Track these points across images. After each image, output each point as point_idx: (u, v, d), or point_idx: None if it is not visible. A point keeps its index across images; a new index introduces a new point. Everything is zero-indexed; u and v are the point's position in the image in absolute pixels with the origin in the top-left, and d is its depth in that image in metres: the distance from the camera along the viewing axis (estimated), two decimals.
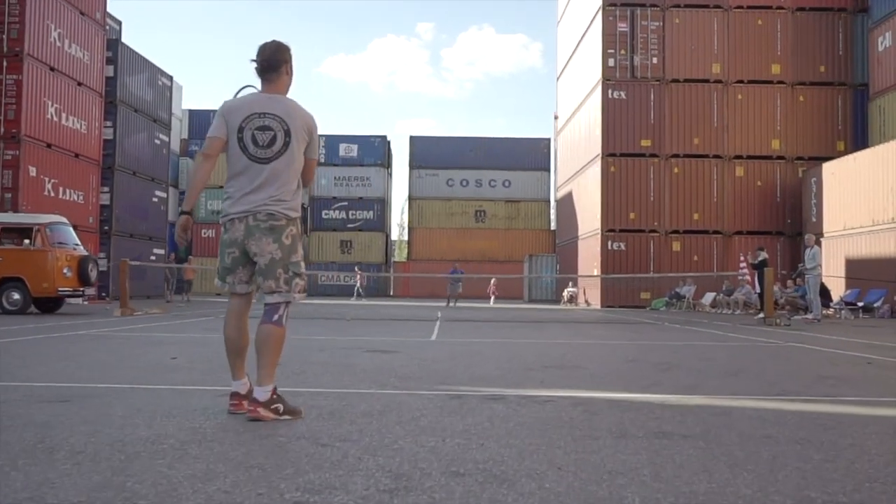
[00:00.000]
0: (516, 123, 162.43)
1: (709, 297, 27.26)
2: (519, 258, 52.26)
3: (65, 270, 15.12)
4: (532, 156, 57.19)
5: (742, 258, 26.56)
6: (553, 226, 59.73)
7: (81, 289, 15.95)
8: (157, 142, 34.87)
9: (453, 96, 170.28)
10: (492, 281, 37.17)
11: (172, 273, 29.76)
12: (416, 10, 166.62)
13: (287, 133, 3.96)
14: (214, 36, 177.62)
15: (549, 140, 58.42)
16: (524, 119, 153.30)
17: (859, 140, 30.58)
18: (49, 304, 16.18)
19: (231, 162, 4.04)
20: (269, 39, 4.13)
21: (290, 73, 4.12)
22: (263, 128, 3.94)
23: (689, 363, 7.05)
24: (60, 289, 15.29)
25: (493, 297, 36.28)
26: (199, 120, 62.40)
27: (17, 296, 15.25)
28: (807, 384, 5.70)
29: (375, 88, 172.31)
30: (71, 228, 16.35)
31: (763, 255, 20.24)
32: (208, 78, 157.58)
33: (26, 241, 15.29)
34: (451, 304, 27.33)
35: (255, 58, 4.05)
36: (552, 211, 59.89)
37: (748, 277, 24.80)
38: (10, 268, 15.12)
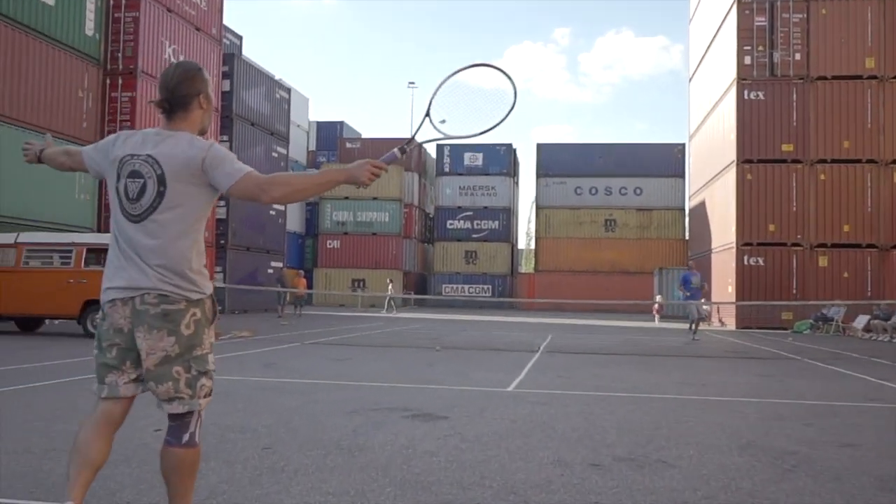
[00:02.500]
0: (656, 128, 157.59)
1: (861, 320, 24.19)
2: (651, 270, 49.55)
3: None
4: (665, 161, 54.43)
5: None
6: (687, 235, 56.58)
7: None
8: (275, 154, 34.77)
9: (591, 101, 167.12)
10: (657, 299, 35.21)
11: (283, 286, 29.33)
12: (552, 16, 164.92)
13: (160, 180, 2.83)
14: (346, 45, 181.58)
15: (683, 145, 55.36)
16: (664, 123, 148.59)
17: None
18: None
19: (111, 226, 3.01)
20: (174, 62, 3.09)
21: (205, 106, 2.99)
22: (133, 174, 2.87)
23: (827, 455, 5.19)
24: None
25: (657, 316, 34.35)
26: (327, 132, 63.12)
27: None
28: None
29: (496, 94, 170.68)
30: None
31: None
32: (338, 89, 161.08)
33: None
34: (694, 335, 18.93)
35: (159, 90, 2.96)
36: (686, 219, 56.78)
37: None
38: (95, 290, 14.51)
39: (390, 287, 39.54)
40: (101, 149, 3.00)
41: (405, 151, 3.05)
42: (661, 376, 10.20)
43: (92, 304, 14.73)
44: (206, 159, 2.80)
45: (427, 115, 3.23)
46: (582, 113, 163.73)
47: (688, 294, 19.03)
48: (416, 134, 3.18)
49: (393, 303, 37.98)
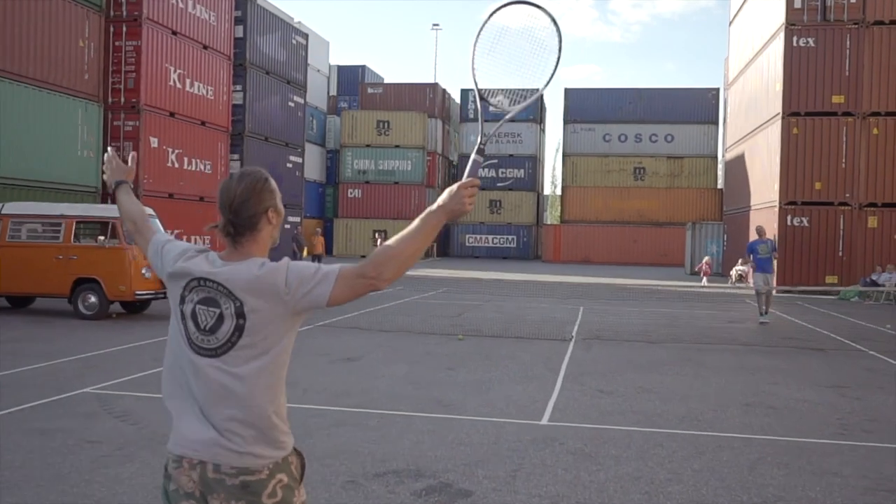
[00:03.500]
0: (686, 69, 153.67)
1: None
2: (682, 219, 47.86)
3: (143, 271, 13.22)
4: (698, 107, 52.38)
5: None
6: (720, 184, 54.66)
7: (164, 291, 14.05)
8: (291, 104, 33.25)
9: (620, 40, 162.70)
10: (704, 260, 32.57)
11: (300, 247, 28.09)
12: None
13: (238, 313, 2.36)
14: None
15: (717, 90, 53.27)
16: (695, 64, 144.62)
17: None
18: (136, 304, 14.44)
19: (169, 346, 2.52)
20: (235, 173, 2.53)
21: (274, 221, 2.51)
22: (207, 301, 2.41)
23: None
24: (138, 292, 13.43)
25: (704, 278, 31.13)
26: (348, 76, 61.18)
27: (93, 299, 13.53)
28: None
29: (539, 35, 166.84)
30: (157, 220, 14.45)
31: None
32: (360, 32, 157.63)
33: (101, 238, 13.48)
34: (763, 315, 15.99)
35: (220, 210, 2.48)
36: (720, 167, 54.77)
37: None
38: (86, 267, 13.39)
39: (378, 241, 37.27)
40: (169, 253, 2.57)
41: (483, 151, 2.60)
42: (719, 388, 8.81)
43: (83, 283, 13.54)
44: (289, 279, 2.35)
45: (477, 90, 2.80)
46: (610, 52, 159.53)
47: (753, 266, 16.81)
48: (482, 124, 2.73)
49: None
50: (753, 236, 29.93)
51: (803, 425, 7.15)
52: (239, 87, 29.15)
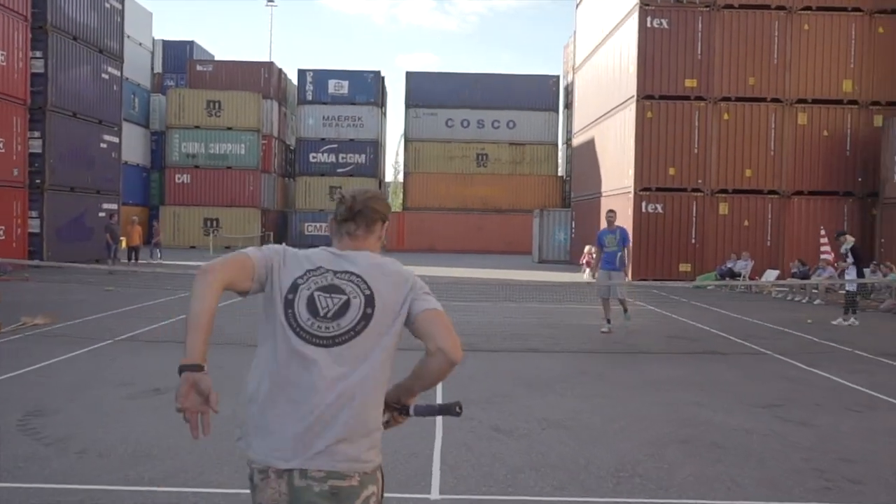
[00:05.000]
0: (521, 59, 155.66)
1: (770, 274, 22.26)
2: (524, 207, 47.36)
3: None
4: (539, 94, 51.97)
5: (822, 232, 21.45)
6: (561, 171, 54.69)
7: None
8: (105, 77, 29.30)
9: (457, 30, 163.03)
10: (586, 250, 28.12)
11: (115, 238, 24.61)
12: None
13: (369, 301, 2.34)
14: None
15: (557, 77, 53.11)
16: (530, 55, 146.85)
17: None
18: None
19: (264, 345, 2.34)
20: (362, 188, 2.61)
21: (382, 236, 2.58)
22: (330, 289, 2.34)
23: None
24: None
25: (587, 269, 26.98)
26: (175, 52, 56.36)
27: None
28: None
29: (377, 21, 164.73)
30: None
31: (850, 241, 15.12)
32: (187, 5, 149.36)
33: None
34: (605, 328, 12.88)
35: (338, 196, 2.55)
36: (560, 155, 54.80)
37: (830, 257, 19.76)
38: None
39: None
40: (263, 259, 2.39)
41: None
42: (639, 416, 7.04)
43: None
44: (414, 287, 2.40)
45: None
46: (447, 42, 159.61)
47: (592, 261, 14.29)
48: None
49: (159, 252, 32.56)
50: (604, 223, 29.19)
51: (771, 474, 5.42)
52: (39, 54, 25.11)
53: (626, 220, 25.95)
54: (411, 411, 2.46)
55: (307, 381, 2.23)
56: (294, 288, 2.33)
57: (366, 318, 2.30)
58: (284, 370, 2.25)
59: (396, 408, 2.46)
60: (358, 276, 2.35)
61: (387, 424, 2.43)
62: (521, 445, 5.97)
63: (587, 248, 27.84)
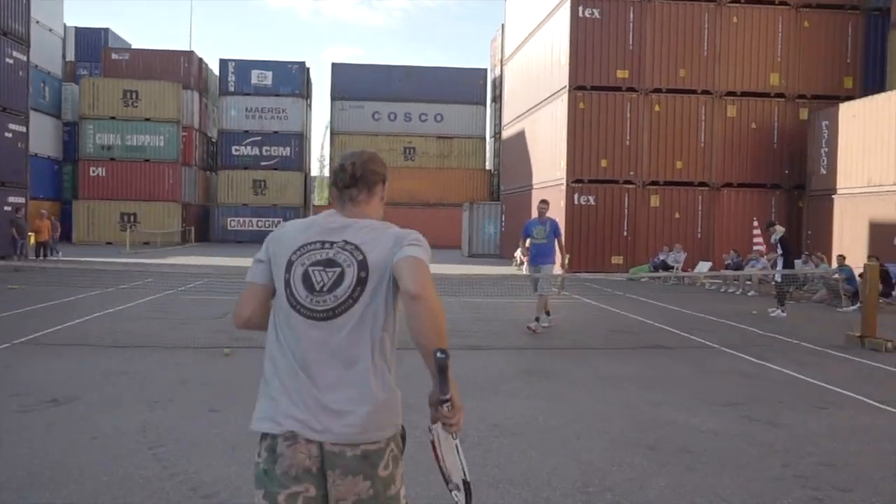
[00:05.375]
0: (448, 55, 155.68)
1: (703, 266, 22.19)
2: (452, 201, 46.86)
3: None
4: (467, 88, 51.61)
5: (755, 223, 21.46)
6: (489, 164, 54.40)
7: None
8: (10, 61, 27.51)
9: (383, 25, 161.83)
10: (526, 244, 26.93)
11: (21, 233, 23.07)
12: None
13: (362, 265, 2.36)
14: None
15: (485, 71, 52.81)
16: (456, 50, 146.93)
17: (872, 77, 25.65)
18: None
19: (275, 318, 2.44)
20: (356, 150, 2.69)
21: (383, 198, 2.63)
22: (321, 263, 2.38)
23: None
24: None
25: (524, 263, 25.69)
26: (88, 39, 53.84)
27: None
28: None
29: (302, 14, 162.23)
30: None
31: (779, 231, 15.03)
32: None
33: None
34: (540, 322, 11.83)
35: (338, 164, 2.56)
36: (488, 148, 54.51)
37: (763, 248, 19.75)
38: None
39: None
40: (261, 266, 2.50)
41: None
42: (597, 419, 6.48)
43: None
44: (400, 239, 2.41)
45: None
46: (373, 37, 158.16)
47: (524, 257, 12.94)
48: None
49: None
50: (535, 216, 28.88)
51: (752, 483, 4.90)
52: None
53: (558, 212, 25.64)
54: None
55: (317, 354, 2.30)
56: (289, 266, 2.39)
57: (361, 283, 2.33)
58: (294, 346, 2.32)
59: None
60: (353, 244, 2.38)
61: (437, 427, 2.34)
62: (474, 456, 5.31)
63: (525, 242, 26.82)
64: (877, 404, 7.17)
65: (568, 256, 14.43)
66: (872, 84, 25.18)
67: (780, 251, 14.91)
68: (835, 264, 18.23)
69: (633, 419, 6.45)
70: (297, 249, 2.39)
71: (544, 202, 12.29)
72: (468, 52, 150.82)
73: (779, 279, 14.79)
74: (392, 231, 2.43)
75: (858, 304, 15.78)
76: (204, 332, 10.87)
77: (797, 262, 17.16)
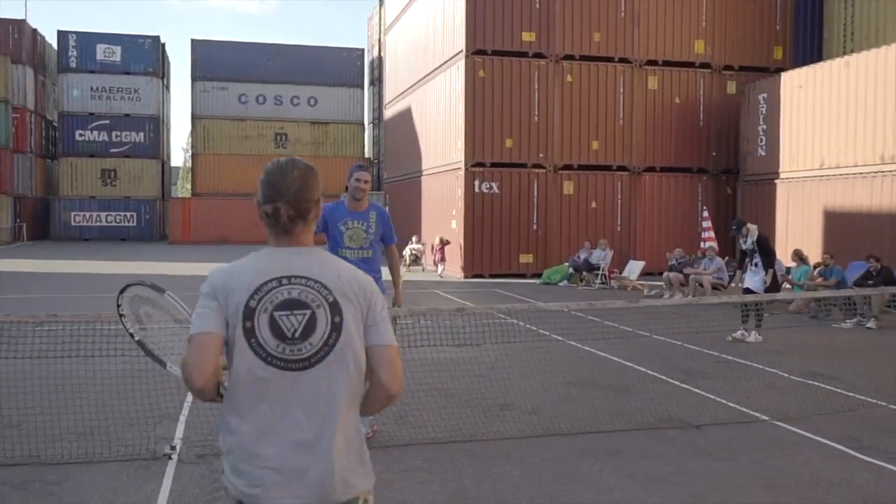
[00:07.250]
0: (324, 42, 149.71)
1: (634, 267, 18.47)
2: (329, 191, 40.50)
3: None
4: (343, 69, 47.12)
5: (705, 214, 17.86)
6: (368, 152, 49.97)
7: None
8: None
9: (256, 12, 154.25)
10: (438, 239, 21.98)
11: None
12: None
13: (334, 308, 2.17)
14: None
15: (362, 51, 48.34)
16: (332, 37, 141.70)
17: (804, 46, 22.66)
18: None
19: (234, 376, 2.16)
20: (282, 158, 2.36)
21: (317, 214, 2.32)
22: (289, 305, 2.15)
23: None
24: None
25: (441, 265, 21.53)
26: None
27: None
28: None
29: (171, 1, 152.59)
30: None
31: (754, 232, 11.20)
32: None
33: None
34: None
35: (270, 208, 2.24)
36: (366, 134, 50.07)
37: (716, 245, 16.11)
38: None
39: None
40: (212, 312, 2.16)
41: None
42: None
43: None
44: (371, 307, 2.25)
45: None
46: (246, 24, 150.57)
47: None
48: None
49: None
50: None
51: None
52: None
53: (455, 202, 21.45)
54: None
55: (289, 410, 2.13)
56: (250, 313, 2.14)
57: (336, 329, 2.18)
58: (263, 401, 2.12)
59: None
60: (316, 280, 2.19)
61: None
62: None
63: (439, 239, 21.96)
64: None
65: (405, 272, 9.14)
66: (804, 56, 22.19)
67: (755, 258, 11.07)
68: (792, 263, 14.77)
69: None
70: (255, 292, 2.14)
71: (361, 169, 6.36)
72: (346, 36, 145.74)
73: (759, 290, 10.88)
74: (354, 275, 2.23)
75: (857, 319, 12.31)
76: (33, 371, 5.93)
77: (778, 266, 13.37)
